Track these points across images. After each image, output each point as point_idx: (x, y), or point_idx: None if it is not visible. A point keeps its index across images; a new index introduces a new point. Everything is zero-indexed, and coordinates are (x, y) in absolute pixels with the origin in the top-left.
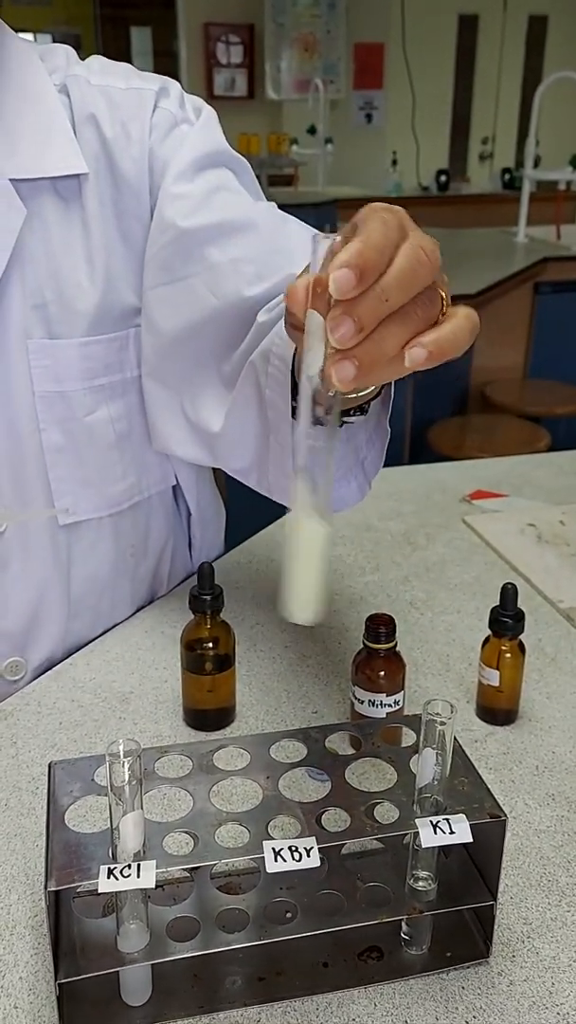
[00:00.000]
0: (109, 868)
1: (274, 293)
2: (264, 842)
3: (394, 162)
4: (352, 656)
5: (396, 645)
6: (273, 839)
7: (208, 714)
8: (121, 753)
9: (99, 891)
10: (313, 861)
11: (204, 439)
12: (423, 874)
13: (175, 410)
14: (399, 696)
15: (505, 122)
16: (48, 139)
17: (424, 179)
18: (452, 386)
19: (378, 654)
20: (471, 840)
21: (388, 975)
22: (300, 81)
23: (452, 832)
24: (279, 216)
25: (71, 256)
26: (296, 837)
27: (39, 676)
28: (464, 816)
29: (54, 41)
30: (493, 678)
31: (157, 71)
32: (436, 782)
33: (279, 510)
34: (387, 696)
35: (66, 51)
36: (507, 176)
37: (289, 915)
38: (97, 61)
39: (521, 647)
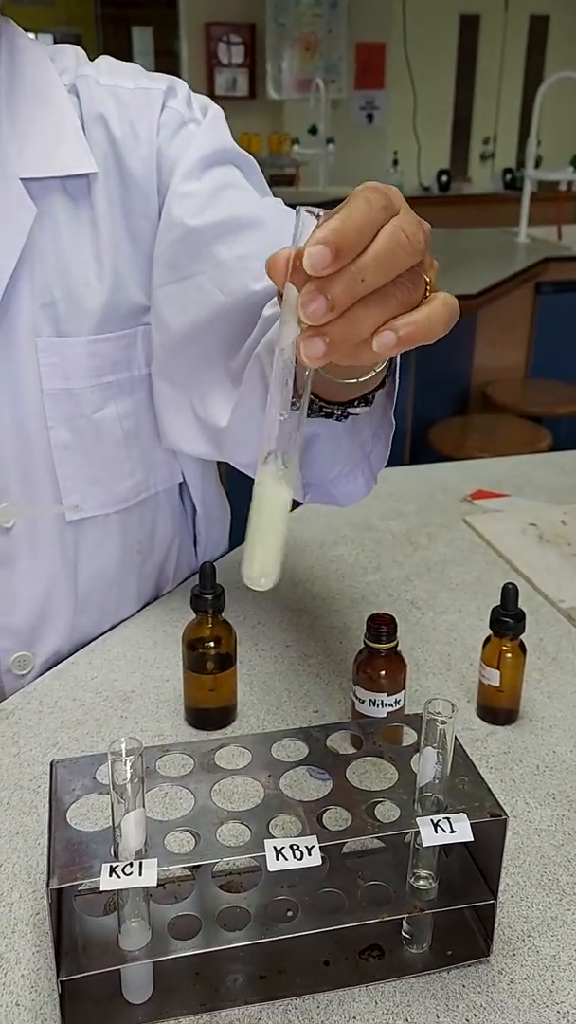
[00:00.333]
0: (111, 866)
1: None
2: (265, 841)
3: (395, 162)
4: (353, 655)
5: (397, 645)
6: (274, 838)
7: (209, 713)
8: (123, 752)
9: (101, 889)
10: (314, 860)
11: (212, 435)
12: (424, 873)
13: (184, 407)
14: (400, 695)
15: (506, 122)
16: (58, 139)
17: (425, 179)
18: (453, 386)
19: (379, 654)
20: (472, 839)
21: (389, 973)
22: (301, 81)
23: (453, 831)
24: (286, 211)
25: (80, 255)
26: (297, 836)
27: (46, 671)
28: (465, 815)
29: (55, 41)
30: (494, 678)
31: (158, 71)
32: (437, 781)
33: None
34: (388, 695)
35: (76, 51)
36: (508, 176)
37: (290, 913)
38: (106, 61)
39: (522, 647)
